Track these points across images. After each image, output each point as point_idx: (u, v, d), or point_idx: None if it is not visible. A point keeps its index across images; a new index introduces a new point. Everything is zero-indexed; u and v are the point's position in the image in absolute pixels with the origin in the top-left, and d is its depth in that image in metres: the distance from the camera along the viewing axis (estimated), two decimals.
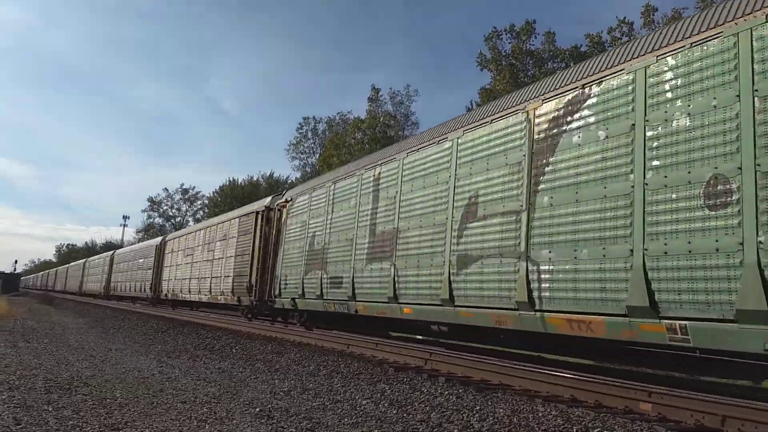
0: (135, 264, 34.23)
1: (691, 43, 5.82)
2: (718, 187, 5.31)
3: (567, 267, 6.68)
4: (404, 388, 6.59)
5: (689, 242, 5.46)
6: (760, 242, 4.92)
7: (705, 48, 5.68)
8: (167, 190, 73.58)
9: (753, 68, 5.21)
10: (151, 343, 10.99)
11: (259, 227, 16.89)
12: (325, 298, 12.15)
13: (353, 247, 11.32)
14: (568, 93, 7.16)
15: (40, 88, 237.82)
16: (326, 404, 5.45)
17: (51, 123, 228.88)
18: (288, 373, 7.51)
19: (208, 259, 21.41)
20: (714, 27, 5.66)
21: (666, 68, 6.02)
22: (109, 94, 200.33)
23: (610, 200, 6.29)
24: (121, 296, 37.03)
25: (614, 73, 6.59)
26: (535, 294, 7.03)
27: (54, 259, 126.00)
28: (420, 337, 12.54)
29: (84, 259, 56.45)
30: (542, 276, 6.98)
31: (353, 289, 11.02)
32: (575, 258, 6.59)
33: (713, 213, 5.33)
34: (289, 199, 15.25)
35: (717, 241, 5.26)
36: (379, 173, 11.03)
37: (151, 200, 73.81)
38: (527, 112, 7.70)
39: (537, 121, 7.49)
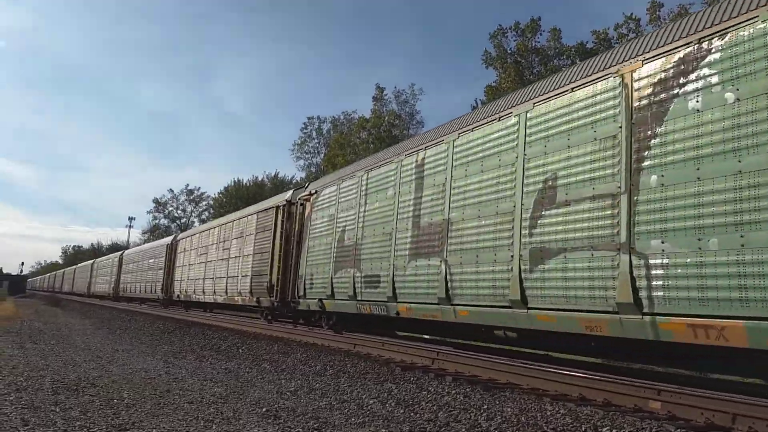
0: (145, 264, 33.34)
1: None
2: None
3: (688, 260, 5.54)
4: (411, 388, 6.56)
5: None
6: None
7: None
8: (172, 191, 73.97)
9: None
10: (157, 344, 11.00)
11: (279, 223, 15.80)
12: (358, 299, 11.13)
13: (392, 242, 10.25)
14: (678, 50, 6.00)
15: (43, 90, 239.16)
16: (333, 404, 5.43)
17: (56, 125, 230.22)
18: (294, 373, 7.50)
19: (224, 258, 20.43)
20: None
21: None
22: (113, 94, 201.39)
23: (749, 176, 5.16)
24: (131, 298, 36.16)
25: (745, 21, 5.41)
26: (643, 294, 5.88)
27: (60, 261, 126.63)
28: (427, 336, 12.28)
29: (92, 260, 56.24)
30: (652, 272, 5.83)
31: (393, 289, 9.97)
32: (700, 249, 5.45)
33: None
34: (314, 191, 14.12)
35: None
36: (423, 158, 9.88)
37: (156, 201, 74.17)
38: (621, 76, 6.50)
39: (636, 85, 6.32)
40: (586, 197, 6.67)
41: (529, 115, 7.79)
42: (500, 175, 8.04)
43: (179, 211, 73.84)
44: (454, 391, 6.33)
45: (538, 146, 7.50)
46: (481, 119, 8.77)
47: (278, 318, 16.84)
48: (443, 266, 8.78)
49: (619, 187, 6.26)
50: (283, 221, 15.53)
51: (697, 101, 5.71)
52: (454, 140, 9.18)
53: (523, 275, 7.31)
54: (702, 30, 5.82)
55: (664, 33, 6.33)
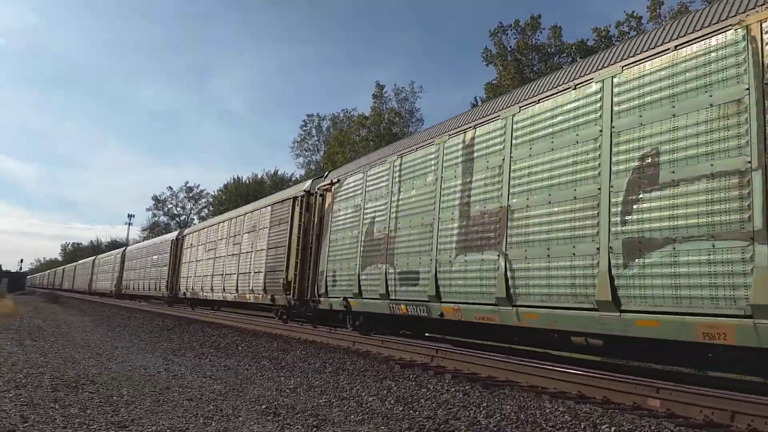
0: (149, 261, 31.94)
1: None
2: None
3: None
4: (410, 385, 6.57)
5: None
6: None
7: None
8: (171, 188, 73.89)
9: None
10: (157, 341, 11.01)
11: (297, 215, 14.62)
12: (392, 297, 9.98)
13: (434, 234, 9.07)
14: None
15: (43, 89, 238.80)
16: (332, 401, 5.44)
17: (56, 124, 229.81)
18: (294, 371, 7.50)
19: (234, 254, 19.24)
20: None
21: None
22: (113, 94, 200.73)
23: None
24: (133, 295, 34.95)
25: None
26: None
27: (60, 258, 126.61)
28: (428, 334, 12.05)
29: (93, 257, 55.56)
30: None
31: (436, 287, 8.81)
32: None
33: None
34: (335, 180, 12.89)
35: None
36: (473, 138, 8.65)
37: (155, 198, 74.13)
38: (747, 27, 5.40)
39: None
40: (700, 175, 5.53)
41: (617, 80, 6.56)
42: (578, 153, 6.84)
43: (179, 209, 73.92)
44: (453, 389, 6.34)
45: (630, 117, 6.30)
46: (548, 89, 7.55)
47: (295, 317, 15.56)
48: (502, 261, 7.62)
49: (748, 163, 5.17)
50: (301, 213, 14.40)
51: None
52: (513, 115, 7.92)
53: (613, 271, 6.14)
54: None
55: None
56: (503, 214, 7.75)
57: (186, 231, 28.57)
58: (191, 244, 25.26)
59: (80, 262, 64.04)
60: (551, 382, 6.55)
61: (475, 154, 8.55)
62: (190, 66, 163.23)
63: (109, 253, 50.01)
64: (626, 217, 6.13)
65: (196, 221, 63.96)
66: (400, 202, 10.20)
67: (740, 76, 5.40)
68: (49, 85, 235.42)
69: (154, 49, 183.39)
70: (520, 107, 7.89)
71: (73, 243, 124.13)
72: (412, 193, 9.95)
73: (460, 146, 8.91)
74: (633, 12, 28.41)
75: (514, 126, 7.91)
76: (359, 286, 11.01)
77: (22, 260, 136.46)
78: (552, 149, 7.25)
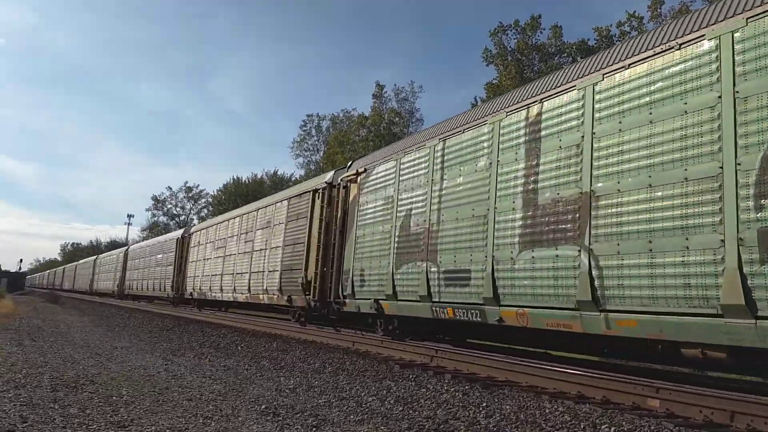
0: (153, 260, 30.64)
1: None
2: None
3: None
4: (410, 385, 6.57)
5: None
6: None
7: None
8: (171, 188, 73.94)
9: None
10: (156, 341, 11.01)
11: (318, 209, 13.54)
12: (434, 300, 8.89)
13: (488, 227, 7.98)
14: None
15: (43, 88, 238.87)
16: (332, 401, 5.44)
17: (56, 123, 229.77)
18: (293, 371, 7.50)
19: (246, 251, 18.16)
20: None
21: None
22: (113, 93, 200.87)
23: None
24: (137, 296, 33.81)
25: None
26: None
27: (59, 258, 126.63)
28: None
29: (95, 256, 54.87)
30: None
31: (494, 288, 7.71)
32: None
33: None
34: (361, 170, 11.77)
35: None
36: (539, 114, 7.55)
37: (155, 199, 74.21)
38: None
39: None
40: None
41: (739, 35, 5.44)
42: (687, 126, 5.76)
43: (178, 209, 73.96)
44: (452, 389, 6.34)
45: (762, 77, 5.22)
46: (640, 51, 6.40)
47: (314, 320, 14.19)
48: (584, 257, 6.47)
49: None
50: (322, 207, 13.31)
51: None
52: (594, 84, 6.83)
53: (745, 269, 5.07)
54: None
55: None
56: (584, 201, 6.60)
57: (192, 228, 27.48)
58: (198, 242, 24.13)
59: (81, 261, 63.16)
60: (551, 382, 6.55)
61: (543, 133, 7.43)
62: (190, 66, 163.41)
63: (111, 252, 49.07)
64: (762, 202, 5.01)
65: (195, 221, 64.00)
66: (444, 192, 9.08)
67: None
68: (49, 85, 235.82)
69: (154, 48, 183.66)
70: (604, 75, 6.74)
71: (73, 243, 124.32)
72: (458, 180, 8.80)
73: (522, 124, 7.80)
74: (635, 12, 28.43)
75: (597, 97, 6.77)
76: (393, 286, 9.93)
77: (21, 260, 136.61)
78: (651, 122, 6.11)
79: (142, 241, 52.17)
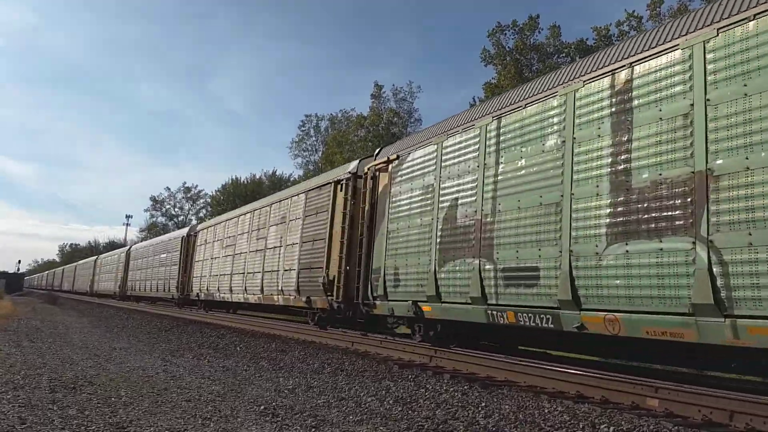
0: (156, 260, 29.50)
1: None
2: None
3: None
4: (409, 385, 6.57)
5: None
6: None
7: None
8: (169, 189, 73.85)
9: None
10: (155, 342, 10.99)
11: (340, 202, 12.47)
12: (491, 302, 7.77)
13: (562, 217, 6.83)
14: None
15: (43, 88, 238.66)
16: (331, 402, 5.43)
17: (56, 123, 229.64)
18: (292, 371, 7.50)
19: (259, 249, 17.01)
20: None
21: None
22: (112, 93, 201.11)
23: None
24: (139, 297, 32.79)
25: None
26: None
27: (57, 259, 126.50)
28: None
29: (95, 256, 54.17)
30: None
31: (572, 288, 6.54)
32: None
33: None
34: (393, 157, 10.63)
35: None
36: (628, 81, 6.40)
37: (153, 199, 74.08)
38: None
39: None
40: None
41: None
42: None
43: (176, 209, 73.87)
44: (452, 389, 6.34)
45: None
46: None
47: (337, 323, 13.08)
48: (701, 251, 5.33)
49: None
50: (345, 199, 12.19)
51: None
52: (704, 42, 5.67)
53: None
54: None
55: None
56: (697, 183, 5.47)
57: (199, 226, 26.32)
58: (205, 241, 22.90)
59: (81, 262, 62.44)
60: (550, 382, 6.55)
61: (635, 103, 6.28)
62: (190, 66, 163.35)
63: (112, 252, 48.27)
64: None
65: (194, 222, 63.95)
66: (500, 177, 7.96)
67: None
68: (49, 85, 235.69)
69: (154, 48, 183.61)
70: (718, 30, 5.57)
71: (71, 244, 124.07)
72: (519, 164, 7.69)
73: (607, 94, 6.64)
74: (633, 11, 28.42)
75: (708, 57, 5.62)
76: (436, 287, 8.81)
77: (19, 261, 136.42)
78: None
79: (141, 241, 51.89)
